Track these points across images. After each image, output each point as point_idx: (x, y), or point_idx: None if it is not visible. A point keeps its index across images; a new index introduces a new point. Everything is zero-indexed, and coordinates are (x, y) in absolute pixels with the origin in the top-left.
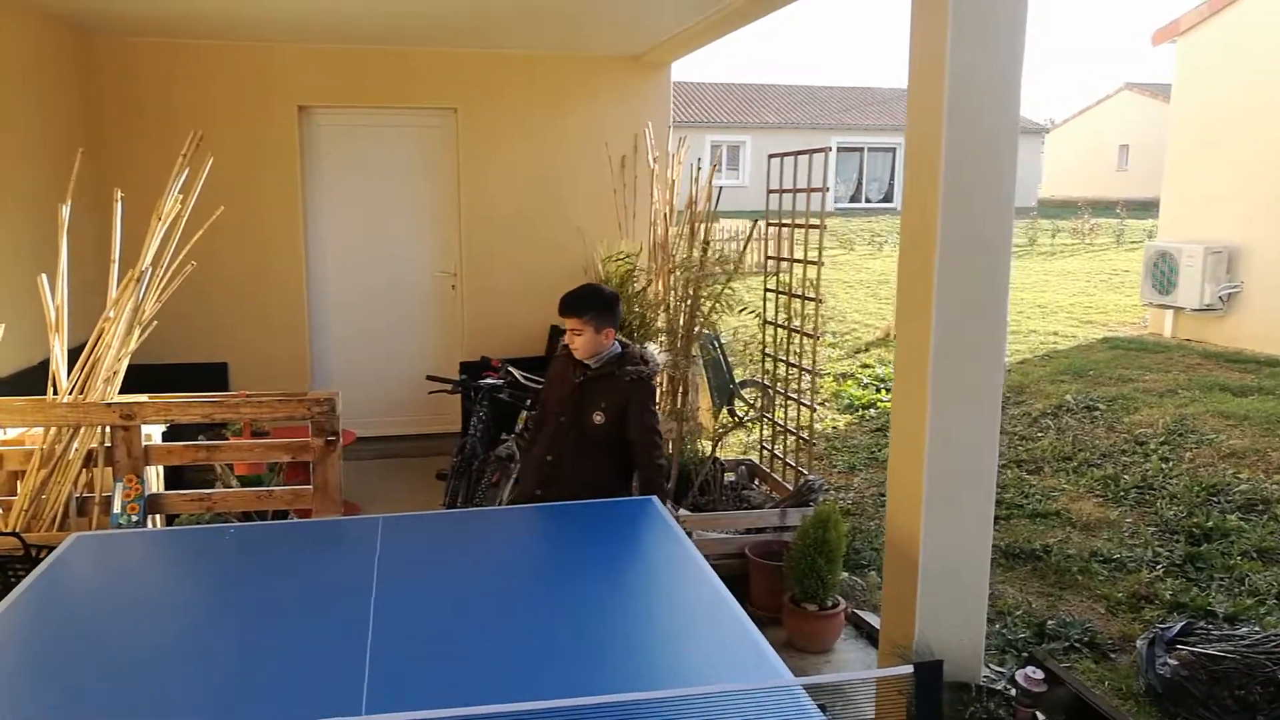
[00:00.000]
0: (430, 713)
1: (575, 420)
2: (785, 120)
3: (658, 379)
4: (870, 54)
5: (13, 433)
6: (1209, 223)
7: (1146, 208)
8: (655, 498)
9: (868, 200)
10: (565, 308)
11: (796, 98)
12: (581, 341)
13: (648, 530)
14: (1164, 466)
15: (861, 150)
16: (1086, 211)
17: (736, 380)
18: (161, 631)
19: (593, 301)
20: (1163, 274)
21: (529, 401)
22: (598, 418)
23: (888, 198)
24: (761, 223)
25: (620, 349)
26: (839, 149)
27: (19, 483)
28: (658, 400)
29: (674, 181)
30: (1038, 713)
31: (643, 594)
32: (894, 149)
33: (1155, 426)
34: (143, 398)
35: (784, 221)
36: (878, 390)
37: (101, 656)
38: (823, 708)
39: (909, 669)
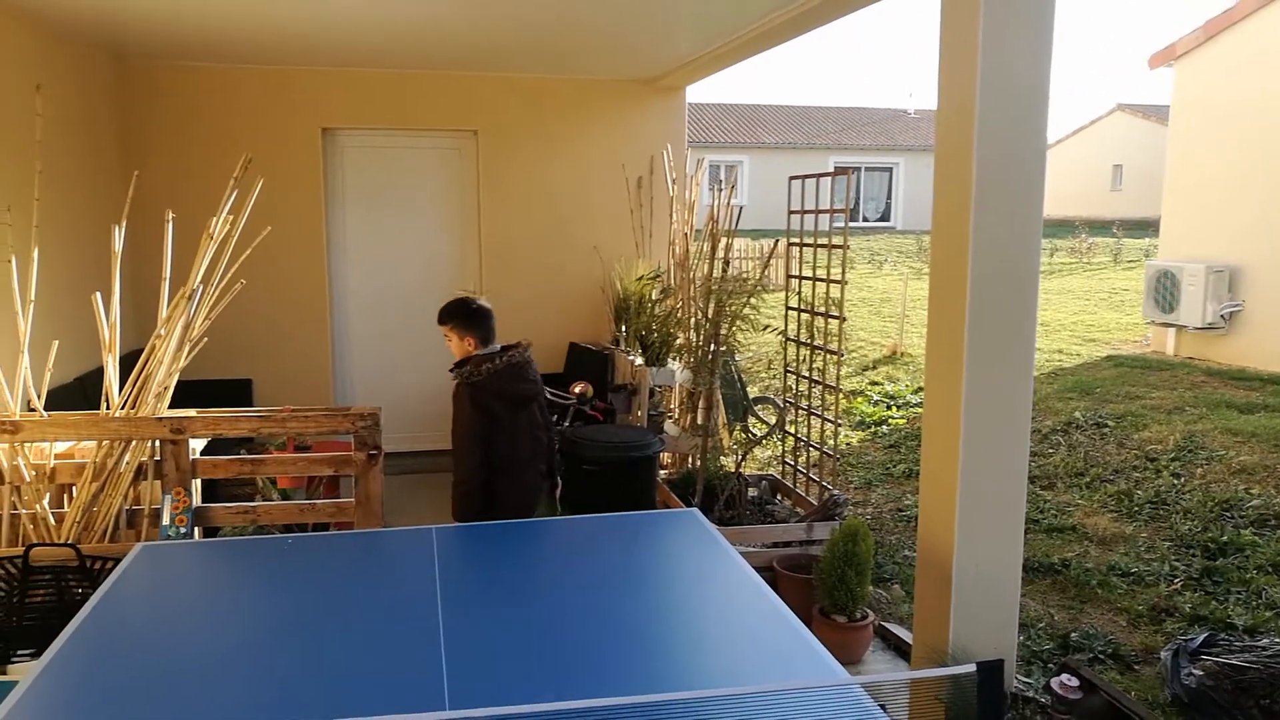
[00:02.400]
0: (515, 708)
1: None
2: (782, 140)
3: (490, 383)
4: (863, 75)
5: (60, 446)
6: (1209, 242)
7: (1142, 227)
8: (696, 509)
9: (865, 219)
10: (438, 318)
11: (792, 118)
12: (450, 347)
13: (694, 540)
14: (1175, 482)
15: (858, 170)
16: (1084, 230)
17: (750, 397)
18: (238, 639)
19: (454, 310)
20: (1164, 293)
21: (554, 416)
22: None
23: (884, 216)
24: (782, 242)
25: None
26: (835, 168)
27: (65, 496)
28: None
29: (693, 202)
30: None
31: (697, 600)
32: (890, 168)
33: (1165, 443)
34: (191, 412)
35: (808, 242)
36: (888, 407)
37: (180, 664)
38: (883, 707)
39: (971, 668)
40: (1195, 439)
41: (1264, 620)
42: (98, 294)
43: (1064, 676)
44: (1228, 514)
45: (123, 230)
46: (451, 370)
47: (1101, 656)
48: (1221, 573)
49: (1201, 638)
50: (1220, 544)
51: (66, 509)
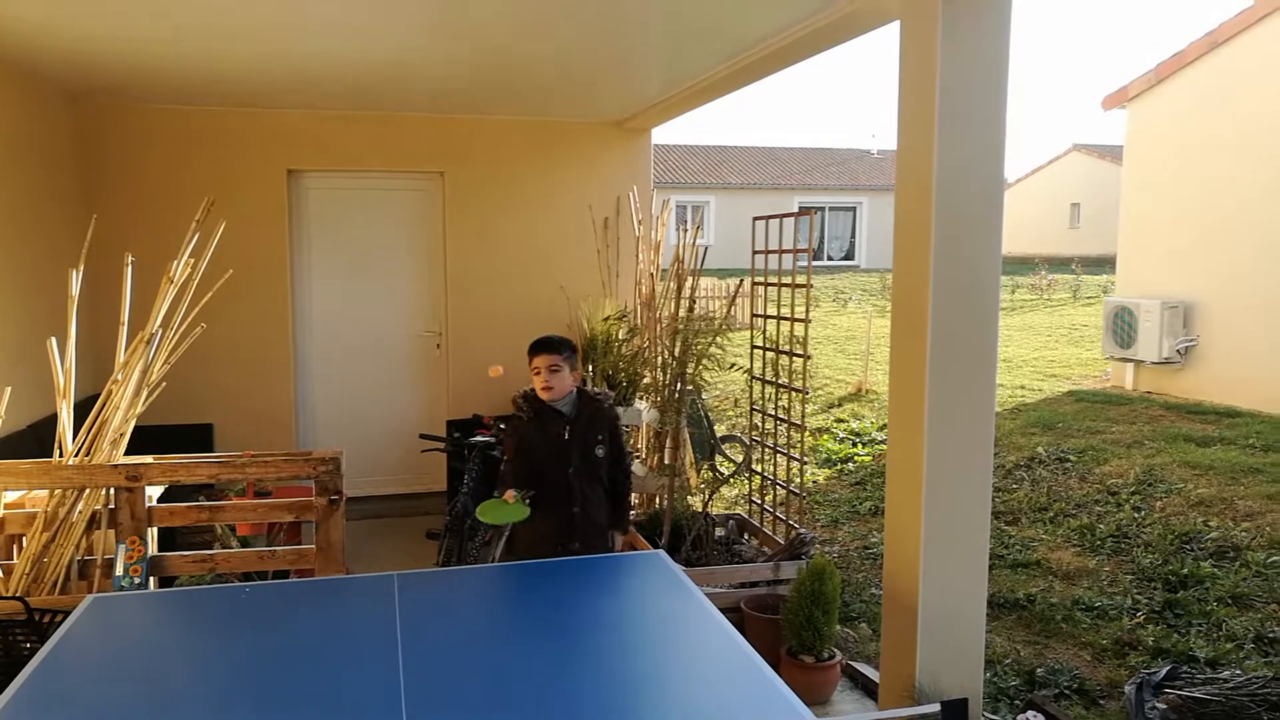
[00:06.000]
0: None
1: (581, 464)
2: (747, 181)
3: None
4: (827, 117)
5: (10, 495)
6: (1164, 278)
7: (1100, 264)
8: (663, 552)
9: (829, 258)
10: (548, 345)
11: (757, 159)
12: (558, 379)
13: (660, 583)
14: (1136, 516)
15: (823, 209)
16: (1044, 267)
17: (717, 436)
18: (194, 693)
19: (569, 343)
20: (1123, 328)
21: None
22: (600, 451)
23: (849, 255)
24: (747, 281)
25: (576, 387)
26: (800, 208)
27: (15, 546)
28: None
29: (658, 243)
30: None
31: (664, 643)
32: (854, 208)
33: (1125, 477)
34: (147, 459)
35: (772, 281)
36: (854, 445)
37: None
38: None
39: (936, 707)
40: (1155, 472)
41: (1225, 652)
42: (53, 339)
43: (1030, 714)
44: (1188, 546)
45: (80, 274)
46: (576, 408)
47: (1067, 692)
48: (1183, 605)
49: (1164, 671)
50: (1181, 576)
51: (15, 560)
